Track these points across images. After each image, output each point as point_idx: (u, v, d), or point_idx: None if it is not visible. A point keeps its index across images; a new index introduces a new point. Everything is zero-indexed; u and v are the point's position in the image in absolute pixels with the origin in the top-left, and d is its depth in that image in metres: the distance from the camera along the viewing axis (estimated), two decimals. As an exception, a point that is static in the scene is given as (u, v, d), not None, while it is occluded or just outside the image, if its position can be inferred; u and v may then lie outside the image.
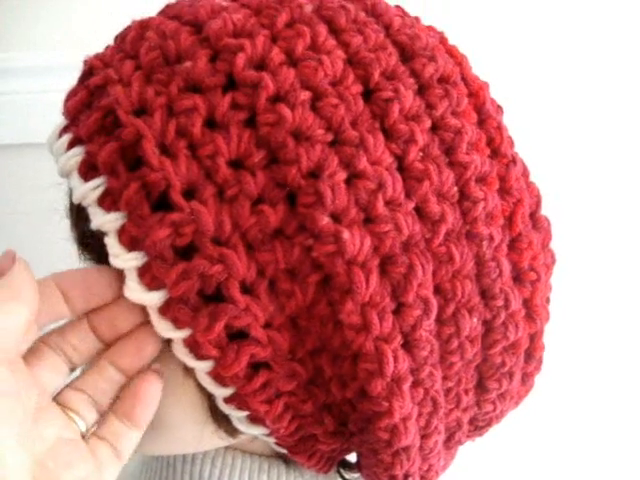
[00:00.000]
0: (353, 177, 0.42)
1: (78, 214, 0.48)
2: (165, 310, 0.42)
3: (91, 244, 0.47)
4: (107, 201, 0.42)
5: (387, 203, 0.43)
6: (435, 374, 0.47)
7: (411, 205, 0.44)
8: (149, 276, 0.41)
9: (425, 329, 0.44)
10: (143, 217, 0.40)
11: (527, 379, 0.56)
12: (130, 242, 0.41)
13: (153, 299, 0.41)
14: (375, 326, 0.42)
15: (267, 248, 0.41)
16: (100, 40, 0.52)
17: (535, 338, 0.53)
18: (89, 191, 0.43)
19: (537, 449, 1.04)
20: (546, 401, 0.93)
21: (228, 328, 0.42)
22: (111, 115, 0.43)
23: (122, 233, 0.42)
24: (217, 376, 0.43)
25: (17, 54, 0.87)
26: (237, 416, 0.47)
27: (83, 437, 0.42)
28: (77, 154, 0.44)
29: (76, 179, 0.44)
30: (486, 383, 0.52)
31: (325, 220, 0.41)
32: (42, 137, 0.50)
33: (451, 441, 0.55)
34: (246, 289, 0.41)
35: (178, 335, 0.42)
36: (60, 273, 0.43)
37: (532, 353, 0.54)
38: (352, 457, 0.60)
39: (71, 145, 0.45)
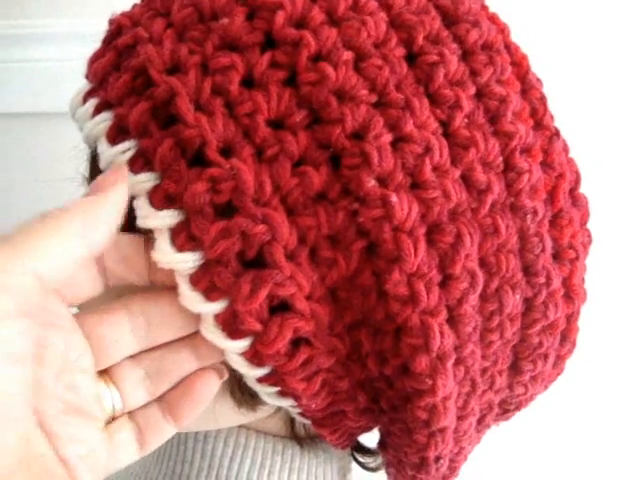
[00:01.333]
0: (399, 140, 0.40)
1: None
2: (199, 277, 0.38)
3: None
4: (138, 163, 0.39)
5: (434, 169, 0.41)
6: (476, 352, 0.45)
7: (457, 173, 0.42)
8: (184, 235, 0.38)
9: (470, 304, 0.42)
10: (180, 172, 0.38)
11: (559, 362, 0.54)
12: (163, 201, 0.39)
13: (186, 261, 0.38)
14: (422, 298, 0.40)
15: (309, 212, 0.38)
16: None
17: (571, 319, 0.51)
18: (118, 154, 0.40)
19: (537, 448, 1.03)
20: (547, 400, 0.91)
21: (270, 299, 0.38)
22: (142, 76, 0.40)
23: (154, 193, 0.39)
24: (254, 356, 0.40)
25: (47, 21, 0.84)
26: (267, 392, 0.44)
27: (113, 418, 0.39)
28: (105, 119, 0.41)
29: (104, 145, 0.42)
30: (521, 364, 0.50)
31: (371, 183, 0.39)
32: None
33: (481, 424, 0.53)
34: (288, 256, 0.39)
35: (211, 309, 0.39)
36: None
37: (567, 335, 0.52)
38: (365, 440, 0.58)
39: (98, 110, 0.42)
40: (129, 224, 0.41)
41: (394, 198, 0.38)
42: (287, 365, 0.40)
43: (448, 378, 0.42)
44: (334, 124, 0.39)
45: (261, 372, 0.41)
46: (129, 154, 0.40)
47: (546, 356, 0.52)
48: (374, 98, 0.40)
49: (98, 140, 0.42)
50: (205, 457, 0.56)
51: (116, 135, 0.40)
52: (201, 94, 0.39)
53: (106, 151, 0.41)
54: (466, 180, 0.42)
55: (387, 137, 0.40)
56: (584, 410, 1.01)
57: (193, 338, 0.41)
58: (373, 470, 0.63)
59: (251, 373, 0.42)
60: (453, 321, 0.42)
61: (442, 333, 0.41)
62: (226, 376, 0.42)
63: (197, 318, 0.40)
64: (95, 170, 0.46)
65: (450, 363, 0.42)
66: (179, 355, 0.41)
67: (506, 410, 0.56)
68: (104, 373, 0.39)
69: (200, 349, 0.41)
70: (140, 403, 0.40)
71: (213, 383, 0.41)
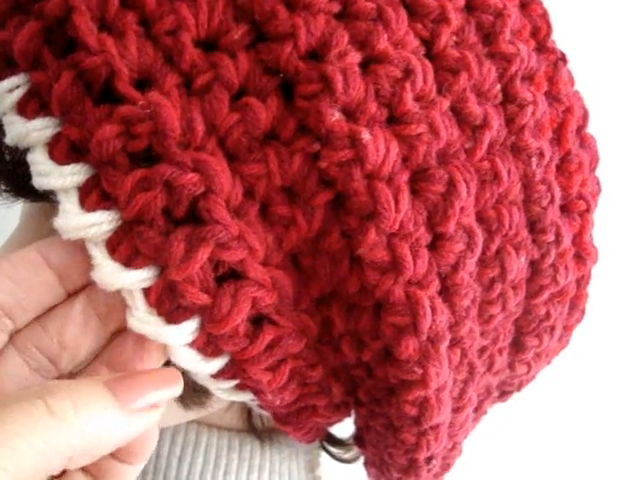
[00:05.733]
0: (371, 61, 0.32)
1: None
2: (117, 242, 0.30)
3: (10, 170, 0.35)
4: (31, 105, 0.32)
5: (417, 98, 0.32)
6: (475, 330, 0.36)
7: (446, 104, 0.33)
8: (96, 194, 0.30)
9: (467, 270, 0.34)
10: (84, 113, 0.30)
11: (566, 334, 0.47)
12: (67, 154, 0.31)
13: (99, 222, 0.30)
14: (408, 265, 0.31)
15: (256, 158, 0.31)
16: None
17: (582, 284, 0.44)
18: (3, 94, 0.33)
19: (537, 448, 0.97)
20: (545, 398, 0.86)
21: (215, 265, 0.30)
22: None
23: (55, 143, 0.31)
24: (207, 343, 0.32)
25: None
26: (222, 387, 0.36)
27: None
28: None
29: None
30: (524, 340, 0.43)
31: (335, 116, 0.30)
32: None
33: (477, 412, 0.45)
34: (232, 213, 0.30)
35: (135, 279, 0.30)
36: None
37: (577, 302, 0.45)
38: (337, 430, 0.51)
39: None
40: (19, 184, 0.33)
41: (366, 135, 0.31)
42: (248, 350, 0.32)
43: (442, 365, 0.34)
44: (284, 41, 0.31)
45: (217, 365, 0.34)
46: (18, 93, 0.32)
47: (553, 328, 0.44)
48: (336, 7, 0.33)
49: None
50: (150, 458, 0.48)
51: (0, 68, 0.33)
52: (107, 8, 0.31)
53: None
54: (457, 113, 0.34)
55: (354, 56, 0.32)
56: (581, 408, 0.96)
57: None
58: (348, 462, 0.56)
59: (205, 368, 0.33)
60: (447, 293, 0.34)
61: (434, 309, 0.33)
62: (181, 385, 0.32)
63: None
64: None
65: (444, 346, 0.34)
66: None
67: (505, 392, 0.48)
68: None
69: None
70: None
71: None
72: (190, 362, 0.33)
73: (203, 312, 0.31)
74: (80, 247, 0.31)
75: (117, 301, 0.31)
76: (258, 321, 0.33)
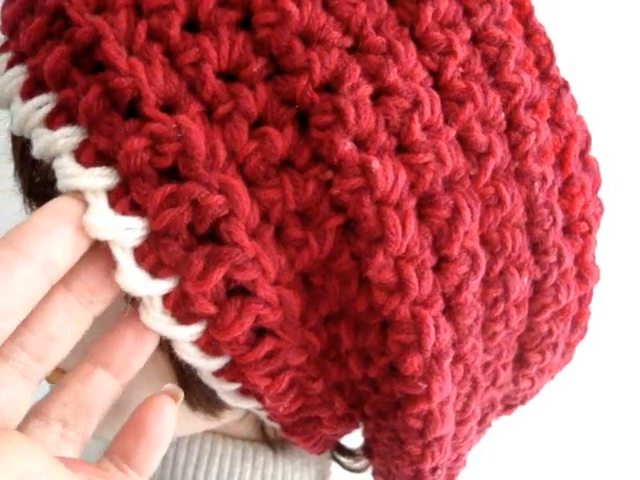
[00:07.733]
0: (381, 93, 0.34)
1: (23, 152, 0.38)
2: (146, 251, 0.31)
3: (41, 191, 0.37)
4: (58, 118, 0.33)
5: (424, 128, 0.34)
6: (478, 347, 0.38)
7: (452, 133, 0.35)
8: (126, 202, 0.31)
9: (470, 291, 0.35)
10: (113, 124, 0.31)
11: (569, 350, 0.48)
12: (94, 160, 0.32)
13: (133, 228, 0.31)
14: (413, 286, 0.33)
15: (272, 184, 0.32)
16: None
17: (584, 302, 0.45)
18: (32, 111, 0.34)
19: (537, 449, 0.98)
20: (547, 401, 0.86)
21: (227, 282, 0.32)
22: (60, 19, 0.34)
23: (82, 149, 0.32)
24: (208, 343, 0.34)
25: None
26: (225, 389, 0.38)
27: None
28: (18, 74, 0.35)
29: (18, 103, 0.34)
30: (527, 356, 0.44)
31: (347, 145, 0.32)
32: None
33: (482, 424, 0.47)
34: (250, 236, 0.32)
35: (159, 288, 0.32)
36: None
37: (579, 320, 0.46)
38: (348, 440, 0.52)
39: (10, 65, 0.36)
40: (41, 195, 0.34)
41: (376, 164, 0.32)
42: (247, 356, 0.34)
43: (445, 380, 0.35)
44: (299, 74, 0.33)
45: (217, 363, 0.35)
46: (46, 109, 0.33)
47: (555, 345, 0.45)
48: (349, 42, 0.34)
49: (12, 101, 0.35)
50: (166, 466, 0.50)
51: (31, 90, 0.34)
52: (135, 39, 0.33)
53: (18, 110, 0.34)
54: (463, 142, 0.36)
55: (366, 89, 0.33)
56: (584, 422, 0.97)
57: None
58: (358, 471, 0.57)
59: (206, 364, 0.35)
60: (451, 312, 0.36)
61: (437, 327, 0.34)
62: (182, 397, 0.34)
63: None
64: (14, 142, 0.38)
65: (447, 362, 0.35)
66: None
67: (509, 406, 0.50)
68: None
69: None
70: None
71: (168, 412, 0.33)
72: (192, 357, 0.34)
73: (209, 319, 0.33)
74: (59, 229, 0.29)
75: (99, 285, 0.31)
76: (261, 332, 0.34)
